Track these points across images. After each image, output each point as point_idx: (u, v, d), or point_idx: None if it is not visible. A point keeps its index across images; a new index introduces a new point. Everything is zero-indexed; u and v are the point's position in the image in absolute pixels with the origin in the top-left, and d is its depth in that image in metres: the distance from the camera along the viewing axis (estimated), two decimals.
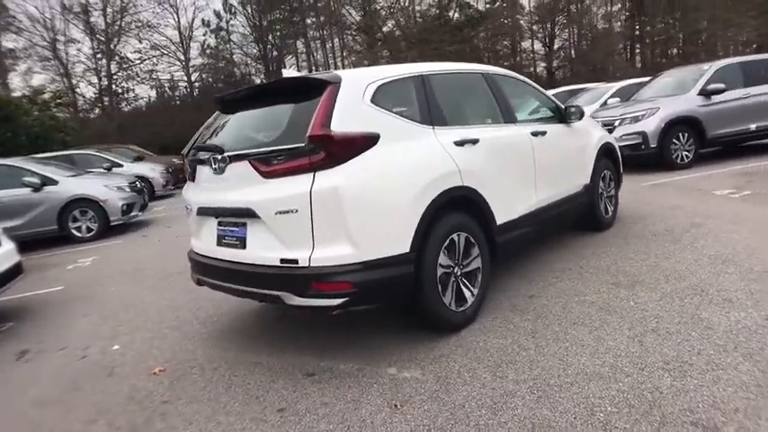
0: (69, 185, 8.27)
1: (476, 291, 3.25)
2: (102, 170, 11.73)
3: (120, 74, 30.50)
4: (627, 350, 2.67)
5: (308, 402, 2.60)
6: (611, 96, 11.33)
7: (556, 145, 4.29)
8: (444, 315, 3.06)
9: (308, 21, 33.47)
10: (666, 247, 4.29)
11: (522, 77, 4.39)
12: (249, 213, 2.85)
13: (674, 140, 7.99)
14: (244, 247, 2.96)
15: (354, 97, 2.84)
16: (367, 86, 2.93)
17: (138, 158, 15.23)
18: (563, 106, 4.61)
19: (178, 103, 32.74)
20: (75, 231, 8.26)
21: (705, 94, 8.04)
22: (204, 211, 3.21)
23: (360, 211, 2.63)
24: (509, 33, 33.39)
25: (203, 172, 3.19)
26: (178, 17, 32.11)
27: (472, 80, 3.78)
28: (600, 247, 4.52)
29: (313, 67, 33.88)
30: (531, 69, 33.27)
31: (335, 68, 30.57)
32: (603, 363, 2.58)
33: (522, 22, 33.81)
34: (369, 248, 2.66)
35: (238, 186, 2.91)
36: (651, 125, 7.95)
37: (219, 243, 3.14)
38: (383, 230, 2.73)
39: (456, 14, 32.48)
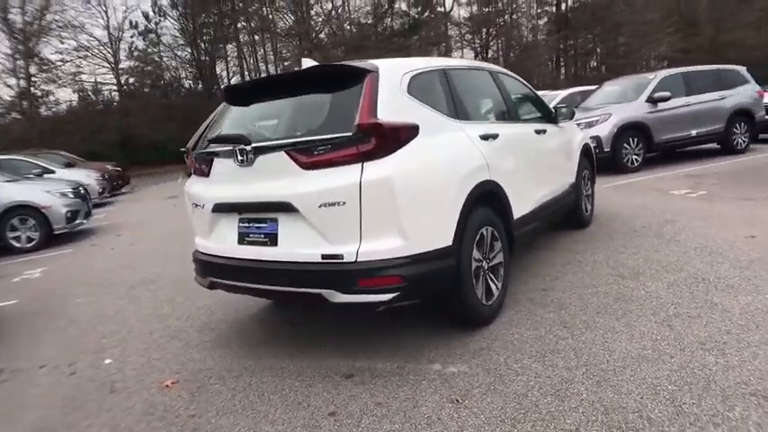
0: (7, 191, 7.46)
1: (499, 284, 3.27)
2: (32, 177, 10.71)
3: (39, 76, 28.17)
4: (661, 334, 2.79)
5: (359, 404, 2.48)
6: (559, 104, 11.97)
7: (552, 144, 4.45)
8: (478, 309, 3.04)
9: (240, 25, 32.58)
10: (651, 241, 4.55)
11: (517, 76, 4.51)
12: (284, 207, 2.69)
13: (625, 145, 8.55)
14: (274, 244, 2.78)
15: (394, 87, 2.77)
16: (402, 76, 2.88)
17: (69, 165, 14.09)
18: (552, 106, 4.79)
19: (101, 107, 30.72)
20: (13, 242, 7.45)
21: (652, 101, 8.69)
22: (222, 208, 2.99)
23: (409, 203, 2.56)
24: (442, 42, 34.32)
25: (222, 165, 2.98)
26: (107, 17, 30.28)
27: (482, 77, 3.83)
28: (589, 243, 4.71)
29: (246, 73, 33.00)
30: None
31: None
32: (644, 346, 2.67)
33: (454, 31, 34.98)
34: (417, 241, 2.59)
35: (271, 179, 2.74)
36: (605, 130, 8.47)
37: (241, 241, 2.93)
38: (430, 223, 2.68)
39: (391, 22, 33.00)
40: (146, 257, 6.40)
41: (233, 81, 30.85)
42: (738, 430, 1.96)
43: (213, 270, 3.11)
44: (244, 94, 3.19)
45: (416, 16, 32.68)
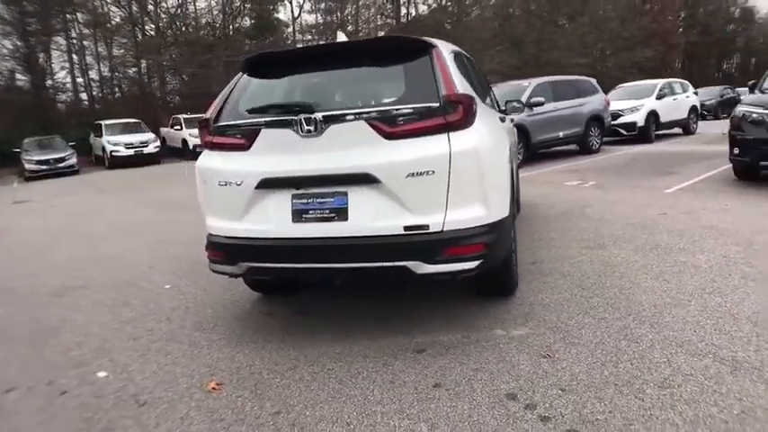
0: None
1: (515, 256, 3.51)
2: None
3: None
4: (664, 286, 3.29)
5: (457, 373, 2.47)
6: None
7: (510, 134, 4.86)
8: (514, 276, 3.24)
9: (68, 17, 28.03)
10: (585, 221, 5.24)
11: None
12: (360, 179, 2.55)
13: None
14: (344, 218, 2.61)
15: (451, 62, 2.82)
16: (450, 53, 2.94)
17: None
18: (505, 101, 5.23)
19: None
20: None
21: (529, 106, 9.91)
22: (272, 183, 2.69)
23: (489, 173, 2.64)
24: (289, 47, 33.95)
25: (273, 136, 2.69)
26: None
27: (471, 64, 4.04)
28: (532, 226, 5.21)
29: (76, 69, 28.46)
30: None
31: (105, 72, 26.68)
32: (661, 296, 3.13)
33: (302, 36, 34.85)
34: (494, 210, 2.68)
35: (343, 150, 2.57)
36: None
37: (298, 219, 2.68)
38: (500, 192, 2.79)
39: (241, 22, 31.62)
40: (42, 264, 5.29)
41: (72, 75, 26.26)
42: (750, 373, 2.47)
43: (252, 254, 2.78)
44: (277, 65, 2.92)
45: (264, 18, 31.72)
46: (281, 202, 2.72)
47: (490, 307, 3.19)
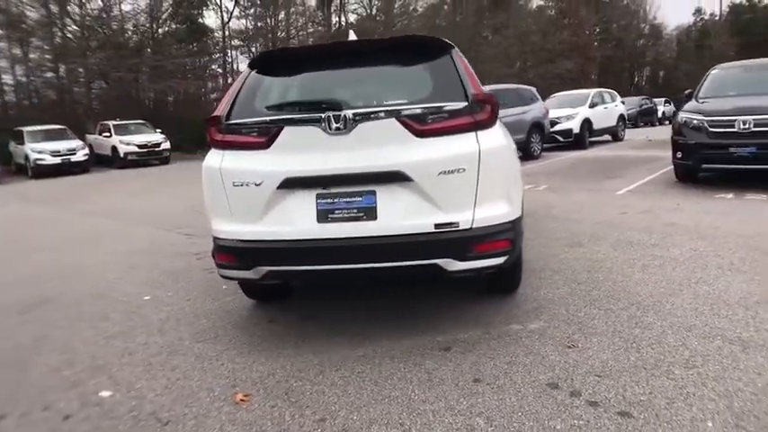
0: None
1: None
2: None
3: None
4: (654, 278, 3.52)
5: (492, 367, 2.50)
6: None
7: None
8: (520, 273, 3.33)
9: None
10: (552, 222, 5.50)
11: None
12: (390, 177, 2.53)
13: None
14: (373, 218, 2.57)
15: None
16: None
17: None
18: None
19: None
20: None
21: None
22: (296, 183, 2.59)
23: (511, 171, 2.72)
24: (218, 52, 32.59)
25: (297, 134, 2.60)
26: None
27: None
28: None
29: None
30: None
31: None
32: (655, 287, 3.35)
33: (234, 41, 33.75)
34: (514, 207, 2.75)
35: (373, 148, 2.53)
36: None
37: (323, 219, 2.61)
38: (519, 190, 2.87)
39: (172, 25, 30.14)
40: (1, 278, 4.75)
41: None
42: (763, 322, 2.73)
43: (271, 257, 2.67)
44: (292, 63, 2.84)
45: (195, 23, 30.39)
46: (305, 203, 2.63)
47: (497, 304, 3.26)
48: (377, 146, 2.54)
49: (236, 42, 32.34)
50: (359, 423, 2.15)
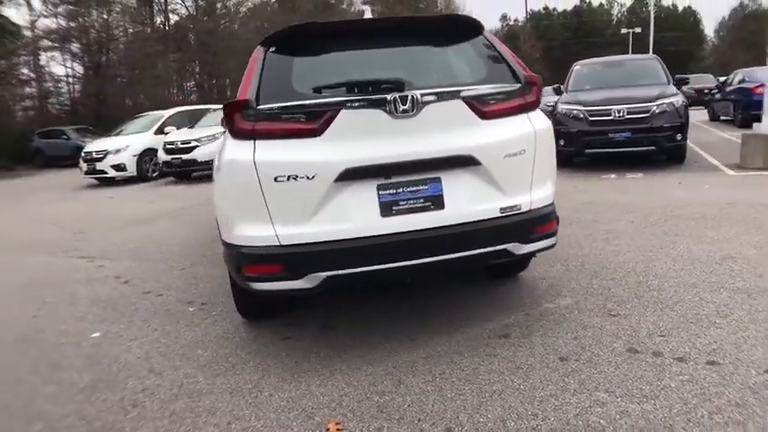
0: None
1: None
2: None
3: None
4: (630, 247, 3.92)
5: (564, 344, 2.53)
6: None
7: None
8: None
9: None
10: None
11: None
12: (458, 162, 2.39)
13: None
14: (441, 206, 2.39)
15: None
16: None
17: None
18: None
19: None
20: None
21: None
22: (357, 173, 2.28)
23: (553, 151, 2.75)
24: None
25: (355, 119, 2.29)
26: None
27: None
28: None
29: None
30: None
31: None
32: (635, 252, 3.74)
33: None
34: (554, 187, 2.80)
35: (439, 131, 2.36)
36: None
37: (387, 212, 2.34)
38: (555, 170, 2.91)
39: None
40: None
41: None
42: (742, 273, 3.22)
43: (330, 261, 2.31)
44: (320, 39, 2.49)
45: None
46: (365, 195, 2.34)
47: (512, 288, 3.32)
48: (443, 129, 2.38)
49: (47, 43, 27.48)
50: (491, 424, 1.99)
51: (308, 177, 2.26)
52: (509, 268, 3.40)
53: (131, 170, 11.73)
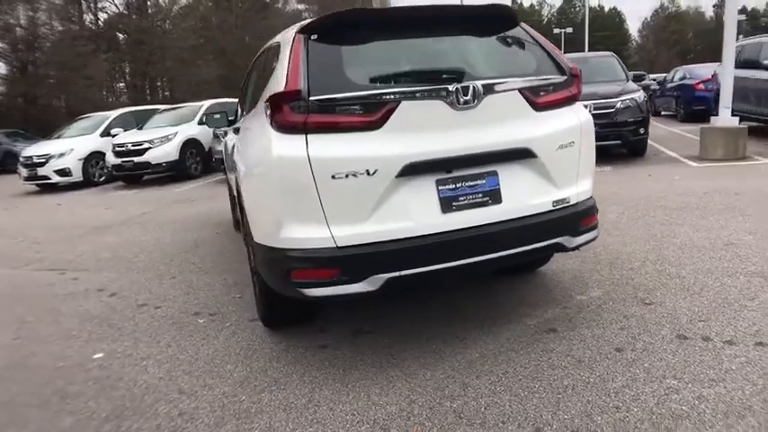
0: None
1: None
2: None
3: None
4: (635, 236, 4.03)
5: (612, 335, 2.54)
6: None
7: None
8: None
9: None
10: None
11: None
12: (515, 155, 2.33)
13: None
14: (498, 201, 2.32)
15: None
16: None
17: None
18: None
19: None
20: None
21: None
22: (419, 168, 2.16)
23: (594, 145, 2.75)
24: None
25: (420, 109, 2.18)
26: None
27: None
28: None
29: None
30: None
31: None
32: (638, 241, 3.84)
33: None
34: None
35: (499, 123, 2.29)
36: None
37: (447, 208, 2.24)
38: None
39: None
40: None
41: None
42: (749, 257, 3.39)
43: (392, 261, 2.18)
44: (365, 27, 2.33)
45: None
46: (424, 191, 2.23)
47: (536, 283, 3.31)
48: (501, 121, 2.31)
49: None
50: (577, 419, 1.94)
51: (367, 173, 2.12)
52: (530, 264, 3.39)
53: (77, 175, 10.84)
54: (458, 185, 2.28)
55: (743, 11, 54.99)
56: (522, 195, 2.39)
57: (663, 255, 3.59)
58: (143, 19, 33.95)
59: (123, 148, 10.14)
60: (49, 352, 2.95)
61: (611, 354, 2.39)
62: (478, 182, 2.31)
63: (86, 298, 3.81)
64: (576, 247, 2.60)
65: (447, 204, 2.26)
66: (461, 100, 2.20)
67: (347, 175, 2.12)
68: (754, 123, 8.48)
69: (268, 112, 2.30)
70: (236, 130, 3.54)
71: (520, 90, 2.35)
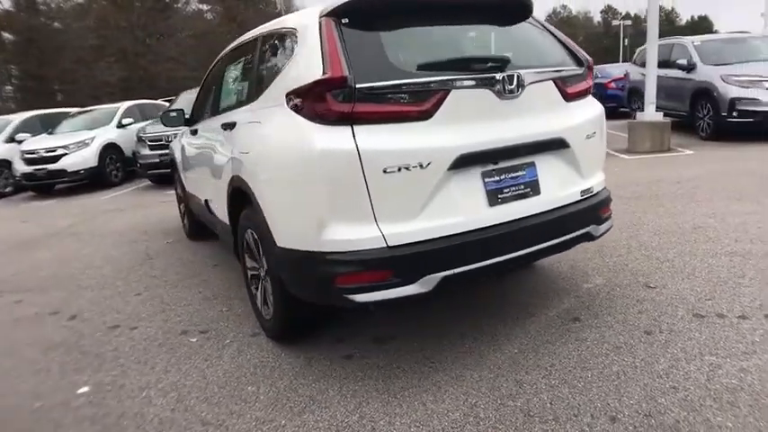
0: None
1: None
2: None
3: None
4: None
5: (634, 320, 2.61)
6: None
7: None
8: None
9: None
10: None
11: None
12: (549, 145, 2.32)
13: None
14: (537, 192, 2.30)
15: None
16: None
17: None
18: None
19: None
20: None
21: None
22: (467, 160, 2.06)
23: None
24: None
25: (469, 98, 2.09)
26: None
27: None
28: None
29: None
30: None
31: None
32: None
33: None
34: None
35: (536, 113, 2.26)
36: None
37: (494, 201, 2.17)
38: None
39: None
40: None
41: None
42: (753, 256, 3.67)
43: (444, 259, 2.06)
44: (396, 12, 2.18)
45: None
46: (470, 184, 2.14)
47: (536, 275, 3.34)
48: (537, 111, 2.29)
49: None
50: (644, 403, 1.96)
51: (420, 167, 1.99)
52: None
53: None
54: (501, 177, 2.22)
55: (626, 17, 61.16)
56: (557, 186, 2.39)
57: (643, 241, 3.79)
58: (32, 17, 30.76)
59: (35, 155, 9.04)
60: (19, 391, 2.49)
61: (643, 337, 2.45)
62: (519, 173, 2.27)
63: (40, 323, 3.28)
64: (599, 236, 2.65)
65: (493, 197, 2.19)
66: (507, 89, 2.14)
67: (399, 169, 1.97)
68: (668, 118, 9.35)
69: (297, 102, 2.08)
70: (216, 130, 3.21)
71: (554, 80, 2.34)
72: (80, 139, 9.20)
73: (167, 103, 12.14)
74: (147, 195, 8.62)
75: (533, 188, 2.31)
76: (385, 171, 1.96)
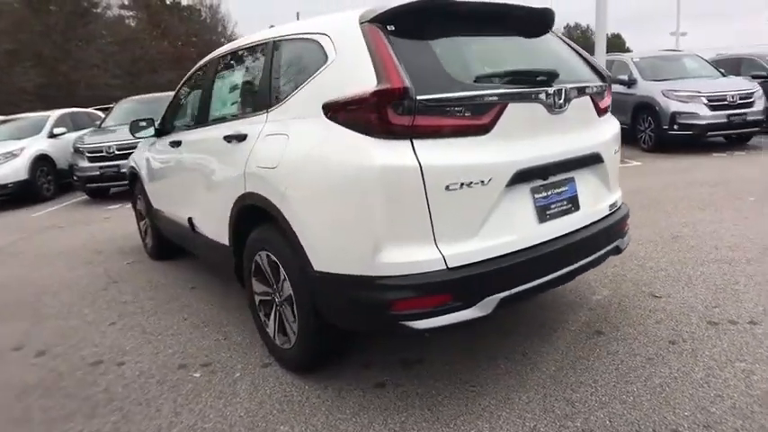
0: None
1: None
2: None
3: None
4: None
5: (654, 332, 2.66)
6: None
7: None
8: None
9: None
10: None
11: None
12: (587, 161, 2.32)
13: None
14: (577, 207, 2.28)
15: None
16: None
17: None
18: None
19: None
20: None
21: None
22: (523, 176, 2.01)
23: None
24: None
25: (523, 113, 2.04)
26: None
27: None
28: None
29: None
30: None
31: None
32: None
33: None
34: None
35: (576, 128, 2.25)
36: None
37: (543, 218, 2.12)
38: None
39: None
40: None
41: None
42: (738, 263, 3.88)
43: (503, 280, 1.98)
44: (444, 20, 2.08)
45: None
46: (521, 200, 2.08)
47: None
48: (578, 126, 2.28)
49: None
50: (698, 413, 1.97)
51: (482, 183, 1.91)
52: None
53: None
54: (549, 193, 2.19)
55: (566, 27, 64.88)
56: (592, 200, 2.40)
57: (631, 251, 3.91)
58: None
59: None
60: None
61: (670, 347, 2.50)
62: (562, 188, 2.25)
63: (3, 361, 2.84)
64: (624, 249, 2.68)
65: (542, 213, 2.15)
66: (557, 103, 2.11)
67: (462, 186, 1.87)
68: None
69: (344, 114, 1.93)
70: (211, 141, 2.95)
71: (591, 95, 2.35)
72: (8, 150, 8.29)
73: (101, 113, 11.27)
74: (86, 211, 7.91)
75: (574, 203, 2.30)
76: (447, 188, 1.86)
